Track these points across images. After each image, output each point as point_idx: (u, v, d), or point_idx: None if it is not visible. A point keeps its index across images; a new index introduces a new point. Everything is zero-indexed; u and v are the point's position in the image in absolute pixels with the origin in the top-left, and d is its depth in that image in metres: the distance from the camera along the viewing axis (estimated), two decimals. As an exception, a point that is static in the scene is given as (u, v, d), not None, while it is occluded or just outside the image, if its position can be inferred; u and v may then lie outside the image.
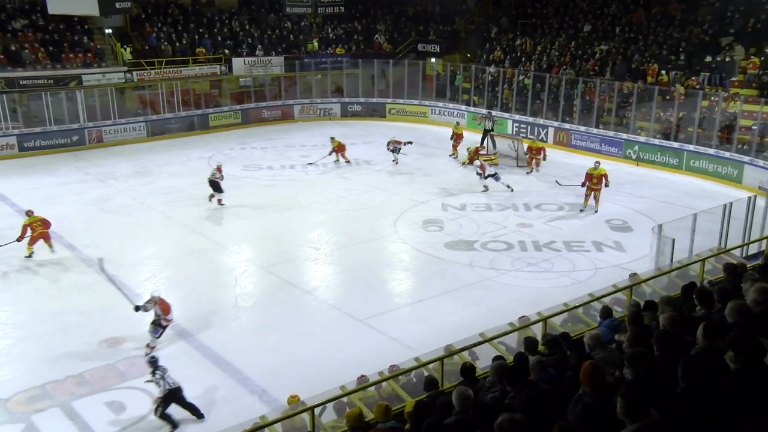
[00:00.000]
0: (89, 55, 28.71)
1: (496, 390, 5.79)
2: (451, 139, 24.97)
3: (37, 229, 15.93)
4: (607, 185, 18.33)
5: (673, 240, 12.72)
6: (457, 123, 26.27)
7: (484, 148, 24.80)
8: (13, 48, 27.12)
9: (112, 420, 10.12)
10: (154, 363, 10.00)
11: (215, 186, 19.42)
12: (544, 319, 8.56)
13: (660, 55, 26.36)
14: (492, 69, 30.18)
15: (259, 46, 32.75)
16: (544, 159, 22.99)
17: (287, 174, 23.20)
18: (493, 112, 27.46)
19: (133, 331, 12.46)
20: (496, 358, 7.06)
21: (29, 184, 20.67)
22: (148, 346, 11.80)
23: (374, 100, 32.33)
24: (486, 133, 25.67)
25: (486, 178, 20.25)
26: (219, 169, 19.70)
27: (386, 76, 32.70)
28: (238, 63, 31.43)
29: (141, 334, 12.34)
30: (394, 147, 23.45)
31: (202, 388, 10.79)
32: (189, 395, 10.49)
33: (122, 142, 27.30)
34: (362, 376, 8.48)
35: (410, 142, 23.86)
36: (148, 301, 12.00)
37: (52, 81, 27.00)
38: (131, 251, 16.55)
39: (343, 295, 14.26)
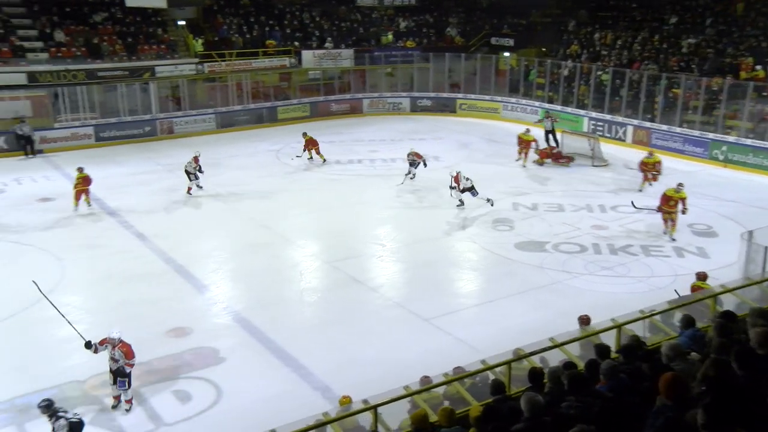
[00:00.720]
0: (162, 46, 29.35)
1: (571, 399, 5.52)
2: (519, 145, 22.92)
3: (79, 186, 18.37)
4: (684, 212, 16.12)
5: (766, 247, 11.88)
6: (527, 129, 23.82)
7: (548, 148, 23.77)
8: (95, 41, 27.96)
9: (179, 408, 10.18)
10: (48, 406, 8.59)
11: (188, 175, 19.70)
12: (619, 326, 8.08)
13: (757, 48, 24.78)
14: (569, 64, 29.22)
15: (329, 39, 32.75)
16: (660, 173, 19.65)
17: (354, 168, 23.06)
18: (553, 110, 26.53)
19: (198, 323, 12.57)
20: (567, 365, 6.74)
21: (102, 173, 21.14)
22: (125, 401, 10.20)
23: (444, 95, 31.83)
24: (547, 133, 24.63)
25: (462, 192, 18.41)
26: (195, 159, 19.78)
27: (458, 71, 32.07)
28: (307, 55, 31.51)
29: (207, 327, 12.46)
30: (413, 160, 20.85)
31: (265, 380, 10.76)
32: (250, 388, 10.41)
33: (192, 134, 27.75)
34: (425, 376, 8.24)
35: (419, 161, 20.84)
36: (104, 342, 10.09)
37: (127, 72, 27.71)
38: (198, 242, 16.74)
39: (409, 293, 13.98)
